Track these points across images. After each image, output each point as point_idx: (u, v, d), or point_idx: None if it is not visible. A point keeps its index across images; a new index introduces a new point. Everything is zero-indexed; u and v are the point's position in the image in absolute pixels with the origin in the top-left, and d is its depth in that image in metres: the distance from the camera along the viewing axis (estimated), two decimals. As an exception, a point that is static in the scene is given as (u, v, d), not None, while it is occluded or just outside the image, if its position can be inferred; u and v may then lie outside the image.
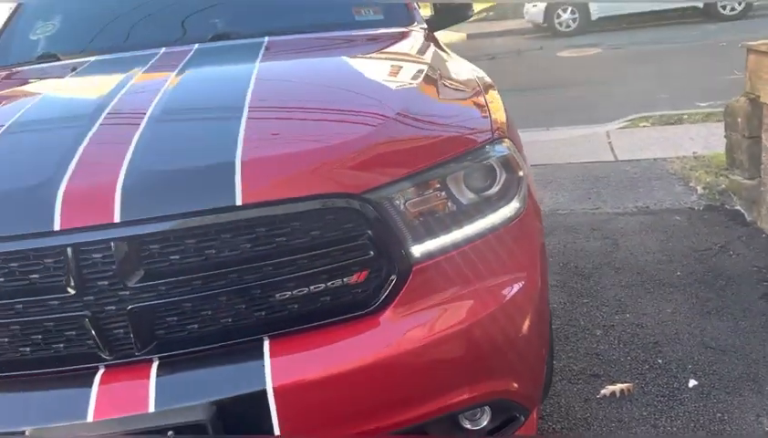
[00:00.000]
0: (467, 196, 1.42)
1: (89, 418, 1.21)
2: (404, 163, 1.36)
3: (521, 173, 1.50)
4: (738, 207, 3.48)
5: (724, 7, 12.56)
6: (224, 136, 1.35)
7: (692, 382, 2.18)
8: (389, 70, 1.75)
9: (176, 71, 1.78)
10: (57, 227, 1.20)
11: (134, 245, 1.21)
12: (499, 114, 1.59)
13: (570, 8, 12.96)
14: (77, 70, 1.97)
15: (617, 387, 2.17)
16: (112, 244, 1.20)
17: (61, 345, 1.28)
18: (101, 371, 1.27)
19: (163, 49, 2.08)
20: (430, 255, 1.37)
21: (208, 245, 1.25)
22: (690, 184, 3.94)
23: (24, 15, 2.56)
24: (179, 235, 1.23)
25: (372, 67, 1.82)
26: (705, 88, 6.75)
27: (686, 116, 5.86)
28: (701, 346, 2.37)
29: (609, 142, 5.23)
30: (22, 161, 1.37)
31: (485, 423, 1.52)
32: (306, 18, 2.40)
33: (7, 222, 1.22)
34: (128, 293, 1.23)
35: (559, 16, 13.09)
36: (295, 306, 1.32)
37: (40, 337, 1.27)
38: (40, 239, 1.20)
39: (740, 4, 12.49)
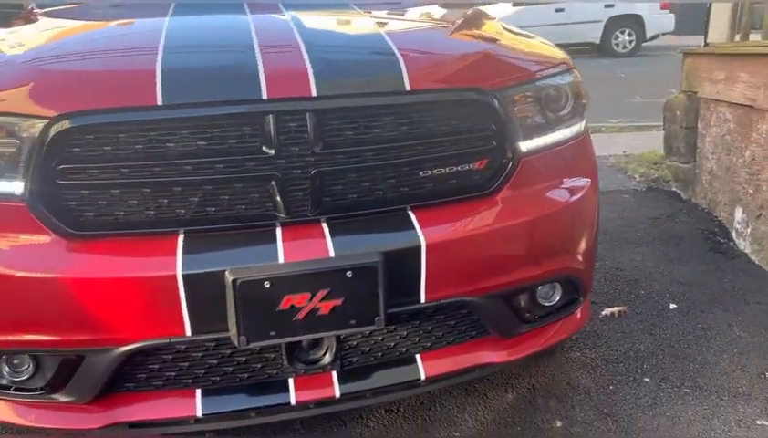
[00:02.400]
0: (554, 109, 1.76)
1: (281, 261, 1.44)
2: (516, 75, 1.69)
3: (584, 101, 1.87)
4: (674, 188, 4.07)
5: (617, 45, 13.96)
6: (378, 42, 1.63)
7: (672, 305, 2.63)
8: (471, 20, 2.07)
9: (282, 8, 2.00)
10: (264, 96, 1.43)
11: (322, 117, 1.46)
12: (565, 55, 1.96)
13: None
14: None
15: (615, 309, 2.58)
16: (307, 114, 1.45)
17: (243, 206, 1.49)
18: (280, 228, 1.49)
19: None
20: (531, 152, 1.70)
21: (376, 123, 1.52)
22: (629, 173, 4.53)
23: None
24: (356, 114, 1.50)
25: (458, 16, 2.11)
26: (613, 109, 7.55)
27: (603, 128, 6.58)
28: (673, 282, 2.84)
29: (546, 144, 5.80)
30: (209, 52, 1.58)
31: (555, 301, 1.86)
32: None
33: (219, 89, 1.44)
34: (313, 159, 1.47)
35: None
36: (431, 184, 1.61)
37: (227, 197, 1.48)
38: (249, 105, 1.43)
39: (630, 43, 13.95)
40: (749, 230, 3.17)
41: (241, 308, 1.41)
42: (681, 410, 1.99)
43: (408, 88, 1.51)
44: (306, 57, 1.51)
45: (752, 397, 2.05)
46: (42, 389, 1.54)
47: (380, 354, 1.66)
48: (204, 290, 1.42)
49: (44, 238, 1.44)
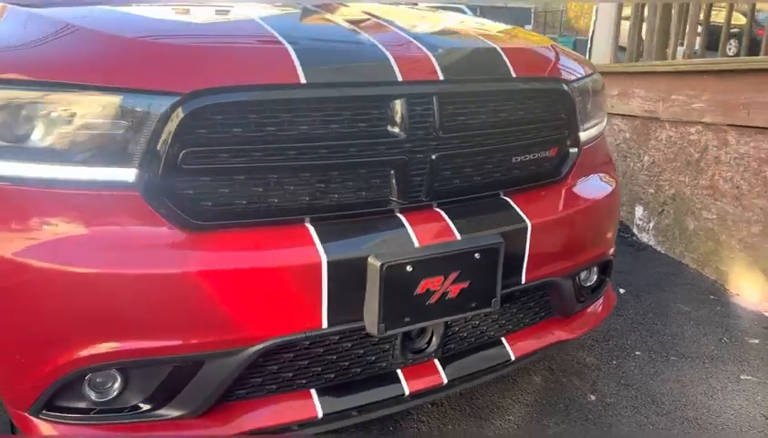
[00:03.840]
0: (594, 104, 1.92)
1: (416, 245, 1.42)
2: (577, 71, 1.82)
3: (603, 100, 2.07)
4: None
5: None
6: (472, 34, 1.70)
7: (622, 290, 2.93)
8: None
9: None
10: (399, 79, 1.41)
11: (445, 101, 1.48)
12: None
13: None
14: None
15: (579, 296, 2.82)
16: (434, 98, 1.45)
17: (363, 191, 1.45)
18: (401, 213, 1.47)
19: None
20: (586, 142, 1.84)
21: (483, 109, 1.56)
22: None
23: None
24: (471, 99, 1.53)
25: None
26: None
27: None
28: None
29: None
30: (329, 41, 1.52)
31: (593, 282, 2.01)
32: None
33: (357, 71, 1.40)
34: (435, 143, 1.48)
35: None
36: (518, 170, 1.68)
37: (351, 182, 1.43)
38: (385, 87, 1.40)
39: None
40: (651, 225, 3.63)
41: (383, 294, 1.37)
42: (680, 374, 2.24)
43: (513, 74, 1.58)
44: (420, 45, 1.52)
45: (726, 359, 2.36)
46: (139, 406, 1.35)
47: (473, 339, 1.68)
48: (346, 277, 1.35)
49: (160, 230, 1.28)
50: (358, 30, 1.55)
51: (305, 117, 1.35)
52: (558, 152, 1.76)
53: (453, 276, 1.45)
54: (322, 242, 1.34)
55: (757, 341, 2.51)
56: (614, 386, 2.15)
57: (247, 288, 1.30)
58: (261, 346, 1.33)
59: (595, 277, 2.00)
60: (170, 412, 1.35)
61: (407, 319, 1.43)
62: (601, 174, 1.94)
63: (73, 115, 1.23)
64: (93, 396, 1.34)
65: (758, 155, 2.87)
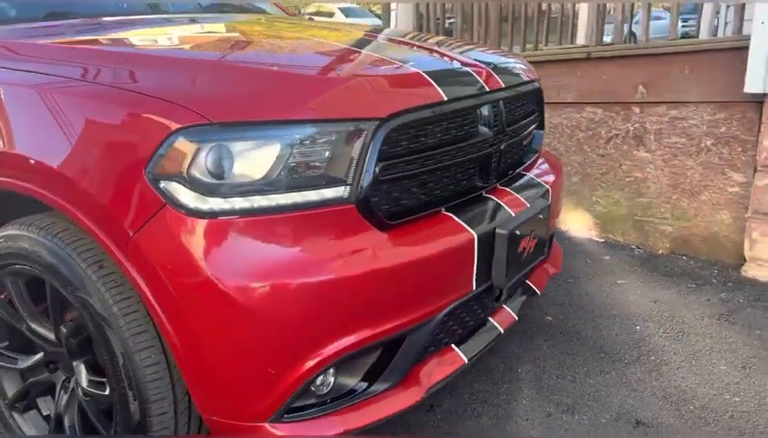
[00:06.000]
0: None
1: (512, 214, 1.86)
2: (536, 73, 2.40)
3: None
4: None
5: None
6: (487, 52, 2.14)
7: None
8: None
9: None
10: (486, 89, 1.82)
11: (504, 103, 1.92)
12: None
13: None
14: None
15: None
16: (501, 101, 1.90)
17: (464, 180, 1.83)
18: (488, 194, 1.89)
19: None
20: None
21: (515, 106, 2.04)
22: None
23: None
24: (512, 99, 2.00)
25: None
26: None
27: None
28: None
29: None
30: (430, 60, 1.85)
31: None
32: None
33: (467, 85, 1.78)
34: (504, 136, 1.92)
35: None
36: (522, 150, 2.21)
37: (459, 174, 1.80)
38: (482, 97, 1.80)
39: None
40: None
41: (508, 255, 1.79)
42: (584, 290, 3.01)
43: (526, 79, 2.09)
44: (475, 62, 1.93)
45: (600, 273, 3.21)
46: (355, 389, 1.58)
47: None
48: (484, 247, 1.74)
49: (370, 234, 1.52)
50: (436, 54, 1.92)
51: (439, 126, 1.69)
52: (536, 134, 2.33)
53: (533, 234, 1.92)
54: (466, 223, 1.71)
55: (608, 258, 3.43)
56: (555, 308, 2.83)
57: (435, 268, 1.61)
58: (444, 313, 1.66)
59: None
60: (379, 387, 1.60)
61: (514, 272, 1.86)
62: (546, 150, 2.56)
63: (307, 147, 1.41)
64: (323, 390, 1.52)
65: (570, 124, 3.80)
